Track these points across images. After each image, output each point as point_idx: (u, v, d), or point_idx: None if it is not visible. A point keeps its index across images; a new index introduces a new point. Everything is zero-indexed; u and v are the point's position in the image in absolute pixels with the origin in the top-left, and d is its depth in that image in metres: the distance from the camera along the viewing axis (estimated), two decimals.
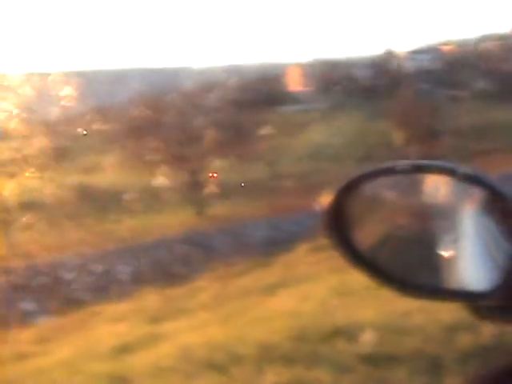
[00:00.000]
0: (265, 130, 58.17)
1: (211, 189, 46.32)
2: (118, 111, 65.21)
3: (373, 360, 4.49)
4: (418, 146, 56.94)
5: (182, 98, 58.25)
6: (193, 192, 44.70)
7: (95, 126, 48.54)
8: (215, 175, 50.42)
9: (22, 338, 13.52)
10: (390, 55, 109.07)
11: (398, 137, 63.44)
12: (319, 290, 8.45)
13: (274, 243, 30.63)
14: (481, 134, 58.92)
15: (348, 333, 5.17)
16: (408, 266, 1.73)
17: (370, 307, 5.87)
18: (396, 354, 4.49)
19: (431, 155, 52.56)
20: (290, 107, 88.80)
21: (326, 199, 1.47)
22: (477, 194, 2.01)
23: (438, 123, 60.75)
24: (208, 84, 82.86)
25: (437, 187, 2.08)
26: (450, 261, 1.72)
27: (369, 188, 1.78)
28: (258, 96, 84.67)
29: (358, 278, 8.75)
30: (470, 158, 48.03)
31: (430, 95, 78.32)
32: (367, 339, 4.84)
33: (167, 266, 27.81)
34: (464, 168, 1.43)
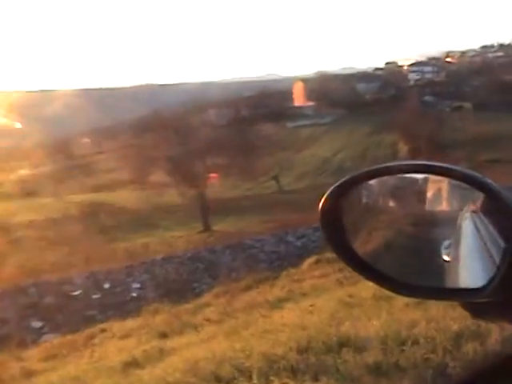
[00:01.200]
0: (270, 146, 58.36)
1: (216, 205, 46.45)
2: (127, 129, 65.56)
3: (380, 370, 4.48)
4: (423, 158, 56.82)
5: (188, 115, 58.58)
6: (199, 209, 44.82)
7: (104, 145, 48.80)
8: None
9: (32, 355, 13.54)
10: (393, 68, 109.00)
11: (403, 149, 63.54)
12: (326, 303, 8.43)
13: (281, 258, 30.71)
14: (486, 144, 58.96)
15: (355, 343, 5.16)
16: (406, 268, 1.74)
17: (377, 318, 5.86)
18: (403, 363, 4.47)
19: None
20: (295, 122, 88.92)
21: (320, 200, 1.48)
22: (474, 195, 2.04)
23: (443, 135, 60.84)
24: (213, 100, 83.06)
25: (435, 190, 2.09)
26: (449, 262, 1.73)
27: (365, 189, 1.80)
28: (263, 111, 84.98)
29: (364, 290, 8.76)
30: (476, 169, 47.95)
31: (434, 107, 78.32)
32: (374, 349, 4.83)
33: (175, 282, 27.82)
34: (461, 169, 1.44)
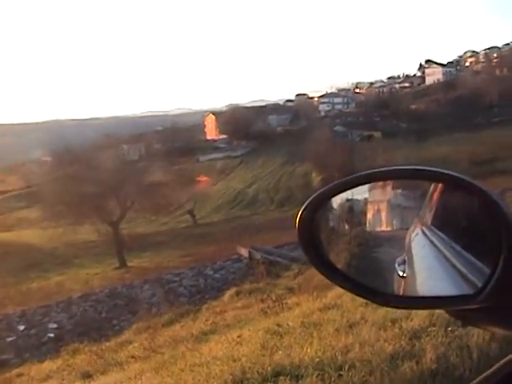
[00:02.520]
0: (184, 180, 58.27)
1: (132, 241, 45.87)
2: (37, 166, 64.27)
3: None
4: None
5: (99, 150, 57.93)
6: (115, 245, 44.15)
7: (12, 182, 47.63)
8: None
9: None
10: (304, 99, 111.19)
11: (316, 179, 64.53)
12: (253, 333, 8.35)
13: (200, 291, 30.52)
14: None
15: (290, 372, 5.10)
16: (382, 278, 1.73)
17: (309, 345, 5.82)
18: None
19: None
20: (208, 155, 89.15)
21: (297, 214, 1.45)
22: (414, 213, 2.07)
23: (354, 163, 62.13)
24: (125, 134, 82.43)
25: (374, 211, 2.10)
26: (406, 278, 1.73)
27: (330, 213, 1.79)
28: (176, 145, 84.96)
29: (290, 319, 8.74)
30: None
31: (345, 137, 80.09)
32: (311, 376, 4.79)
33: (94, 320, 27.23)
34: (452, 173, 1.45)
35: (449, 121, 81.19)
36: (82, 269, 41.79)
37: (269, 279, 22.81)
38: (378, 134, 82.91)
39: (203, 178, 70.86)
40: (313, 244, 1.46)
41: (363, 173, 1.51)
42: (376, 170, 1.51)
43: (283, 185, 70.14)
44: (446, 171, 1.43)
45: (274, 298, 14.31)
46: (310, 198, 1.48)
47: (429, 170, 1.47)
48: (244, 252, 35.37)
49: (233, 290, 21.56)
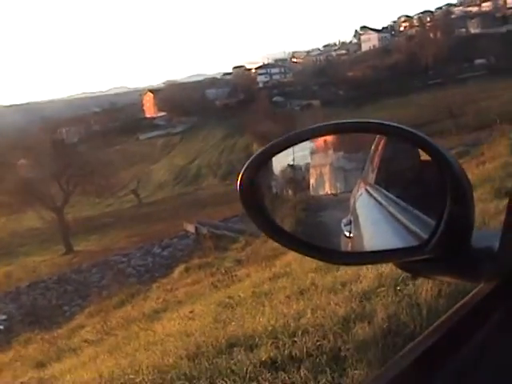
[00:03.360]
0: (125, 160, 57.75)
1: (77, 225, 45.35)
2: None
3: (275, 365, 4.46)
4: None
5: (38, 135, 56.88)
6: (59, 230, 43.57)
7: None
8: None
9: None
10: (241, 72, 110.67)
11: (258, 150, 64.63)
12: (205, 308, 8.36)
13: (149, 270, 30.41)
14: None
15: (244, 343, 5.12)
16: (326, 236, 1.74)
17: (261, 314, 5.85)
18: (296, 354, 4.48)
19: None
20: (148, 134, 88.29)
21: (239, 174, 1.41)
22: (356, 175, 2.08)
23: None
24: (62, 117, 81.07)
25: (317, 175, 2.11)
26: (352, 237, 1.75)
27: (272, 179, 1.78)
28: (114, 125, 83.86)
29: (241, 291, 8.78)
30: None
31: (284, 107, 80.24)
32: (265, 345, 4.81)
33: (44, 308, 26.90)
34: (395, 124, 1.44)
35: (386, 86, 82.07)
36: (28, 257, 41.20)
37: (217, 253, 22.83)
38: (316, 103, 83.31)
39: (144, 157, 70.33)
40: (257, 206, 1.43)
41: (303, 129, 1.48)
42: (315, 126, 1.47)
43: (225, 159, 70.12)
44: (389, 122, 1.42)
45: (223, 272, 14.35)
46: (251, 158, 1.45)
47: (371, 122, 1.45)
48: (190, 228, 35.29)
49: (182, 267, 21.53)
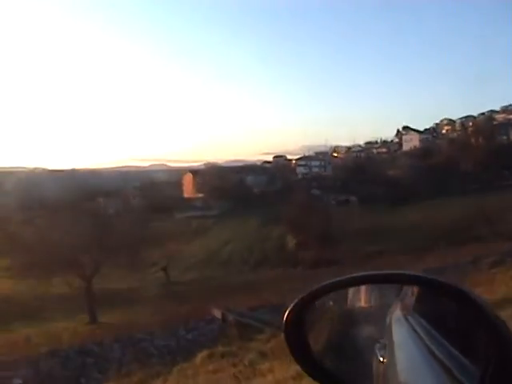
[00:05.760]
0: (159, 237, 58.00)
1: (104, 296, 45.29)
2: (12, 215, 63.55)
3: None
4: (311, 249, 57.97)
5: (75, 203, 57.58)
6: (86, 300, 43.55)
7: None
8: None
9: None
10: (282, 161, 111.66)
11: (291, 242, 64.54)
12: None
13: (172, 352, 30.07)
14: (370, 237, 60.84)
15: None
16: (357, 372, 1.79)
17: None
18: None
19: (325, 258, 53.66)
20: (184, 213, 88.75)
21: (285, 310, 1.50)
22: (406, 299, 2.13)
23: (329, 228, 62.36)
24: (101, 188, 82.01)
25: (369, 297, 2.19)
26: (385, 364, 1.78)
27: (327, 299, 1.84)
28: (154, 202, 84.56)
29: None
30: (361, 260, 49.39)
31: (321, 200, 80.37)
32: None
33: (60, 378, 26.70)
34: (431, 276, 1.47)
35: (424, 188, 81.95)
36: (52, 322, 41.03)
37: (241, 342, 22.63)
38: (353, 199, 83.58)
39: (178, 236, 70.54)
40: (301, 347, 1.50)
41: (343, 277, 1.54)
42: (355, 275, 1.54)
43: (258, 247, 69.92)
44: (425, 275, 1.45)
45: (246, 363, 14.22)
46: (295, 301, 1.52)
47: (405, 274, 1.48)
48: (217, 313, 35.09)
49: (205, 353, 21.31)
